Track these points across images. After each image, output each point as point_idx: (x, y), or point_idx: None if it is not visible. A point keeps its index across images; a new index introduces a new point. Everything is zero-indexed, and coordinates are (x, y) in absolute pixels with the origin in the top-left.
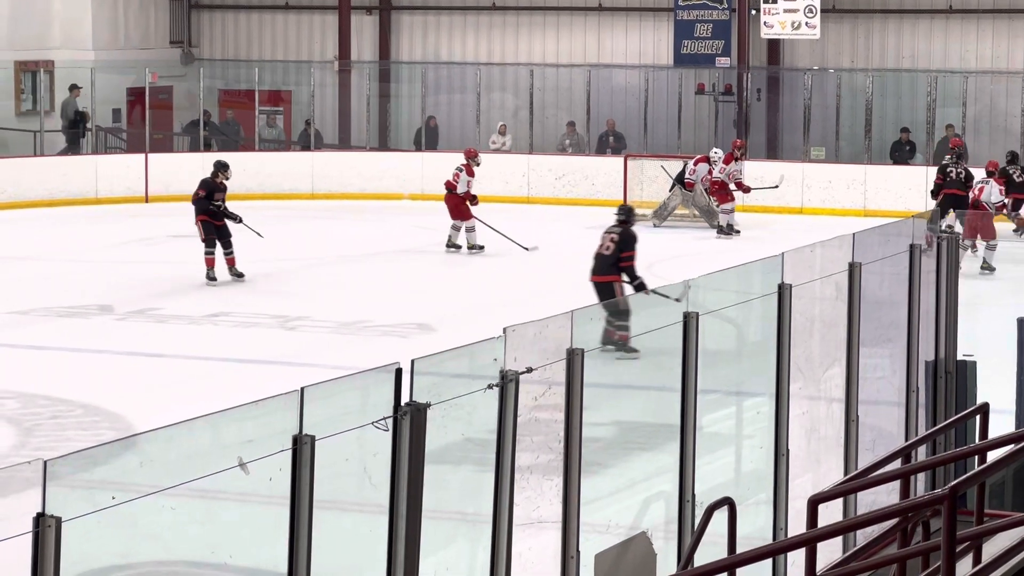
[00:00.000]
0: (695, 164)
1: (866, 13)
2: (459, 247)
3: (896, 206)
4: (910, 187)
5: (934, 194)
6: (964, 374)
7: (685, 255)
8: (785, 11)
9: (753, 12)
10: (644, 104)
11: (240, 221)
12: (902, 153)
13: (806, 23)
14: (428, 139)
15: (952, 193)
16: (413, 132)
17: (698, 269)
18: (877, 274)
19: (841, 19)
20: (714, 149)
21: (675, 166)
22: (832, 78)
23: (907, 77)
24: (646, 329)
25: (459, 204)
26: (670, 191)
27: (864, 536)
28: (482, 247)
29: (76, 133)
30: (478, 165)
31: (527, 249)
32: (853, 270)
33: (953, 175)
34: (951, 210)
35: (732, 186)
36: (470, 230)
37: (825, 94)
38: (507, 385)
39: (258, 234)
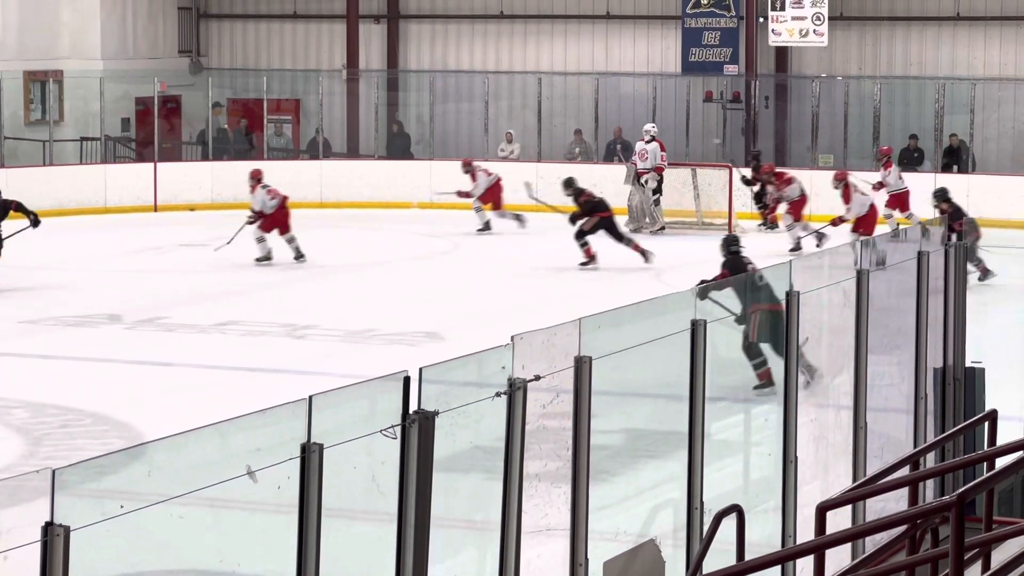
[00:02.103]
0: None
1: (874, 20)
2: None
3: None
4: (918, 194)
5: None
6: (972, 381)
7: (692, 263)
8: (793, 19)
9: (761, 20)
10: (652, 112)
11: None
12: (910, 160)
13: (814, 30)
14: (398, 146)
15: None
16: (422, 140)
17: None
18: (885, 281)
19: (849, 26)
20: (649, 124)
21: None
22: (840, 85)
23: (915, 84)
24: (654, 337)
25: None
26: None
27: (873, 543)
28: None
29: (218, 149)
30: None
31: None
32: (861, 277)
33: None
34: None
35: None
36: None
37: (833, 101)
38: (515, 393)
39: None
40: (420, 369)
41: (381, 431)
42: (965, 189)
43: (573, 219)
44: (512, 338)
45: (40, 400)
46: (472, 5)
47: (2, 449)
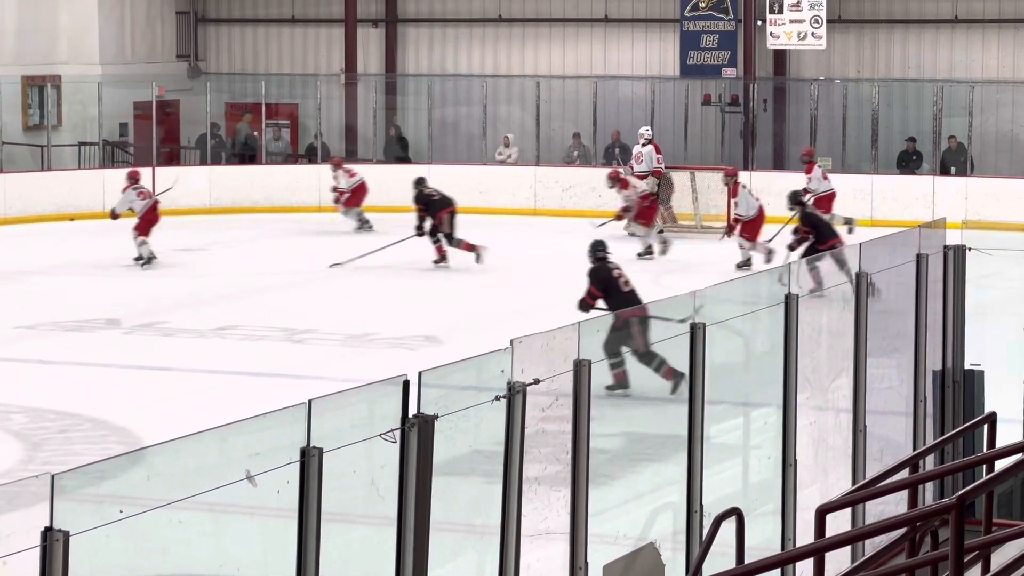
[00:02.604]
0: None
1: (872, 23)
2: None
3: (903, 216)
4: (917, 197)
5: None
6: (972, 383)
7: (692, 266)
8: (791, 21)
9: (759, 23)
10: (650, 115)
11: None
12: (909, 163)
13: (812, 33)
14: (397, 150)
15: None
16: (420, 144)
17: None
18: (884, 284)
19: (847, 29)
20: (644, 128)
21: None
22: (838, 88)
23: (913, 87)
24: (653, 340)
25: None
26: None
27: (872, 546)
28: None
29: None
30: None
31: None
32: (860, 280)
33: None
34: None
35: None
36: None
37: (831, 104)
38: (514, 397)
39: None
40: (419, 373)
41: (380, 435)
42: (963, 192)
43: (421, 224)
44: (511, 342)
45: (39, 405)
46: (470, 9)
47: (1, 454)
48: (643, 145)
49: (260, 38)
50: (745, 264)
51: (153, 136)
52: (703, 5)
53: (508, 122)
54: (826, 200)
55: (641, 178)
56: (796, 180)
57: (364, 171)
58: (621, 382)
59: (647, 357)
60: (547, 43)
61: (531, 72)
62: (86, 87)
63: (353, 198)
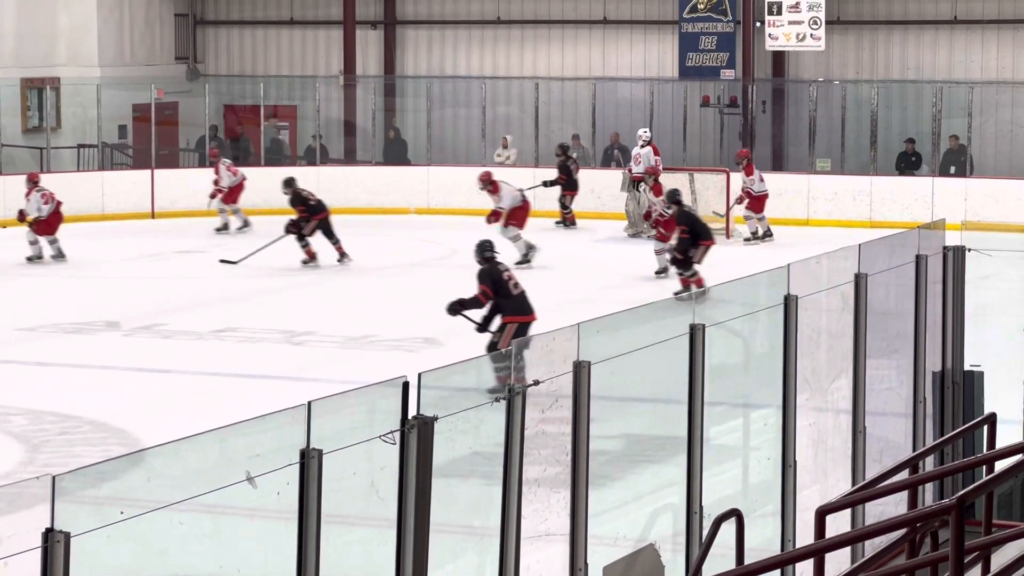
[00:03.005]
0: (637, 151)
1: (871, 24)
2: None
3: (902, 217)
4: (916, 198)
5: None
6: (971, 384)
7: None
8: (790, 23)
9: (758, 24)
10: (649, 117)
11: None
12: (908, 164)
13: (811, 35)
14: (396, 152)
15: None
16: (419, 146)
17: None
18: (883, 285)
19: (846, 30)
20: (642, 129)
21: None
22: (837, 89)
23: (912, 88)
24: (652, 341)
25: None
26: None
27: (872, 547)
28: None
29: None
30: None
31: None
32: (859, 281)
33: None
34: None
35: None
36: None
37: (830, 106)
38: (514, 398)
39: None
40: (419, 374)
41: (380, 437)
42: (963, 193)
43: (294, 226)
44: (512, 343)
45: (39, 407)
46: (469, 11)
47: (1, 456)
48: (642, 147)
49: (259, 40)
50: (662, 272)
51: (152, 138)
52: (702, 7)
53: (507, 123)
54: (761, 200)
55: (638, 180)
56: (796, 181)
57: (363, 172)
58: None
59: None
60: (546, 45)
61: (530, 74)
62: (85, 89)
63: (230, 195)
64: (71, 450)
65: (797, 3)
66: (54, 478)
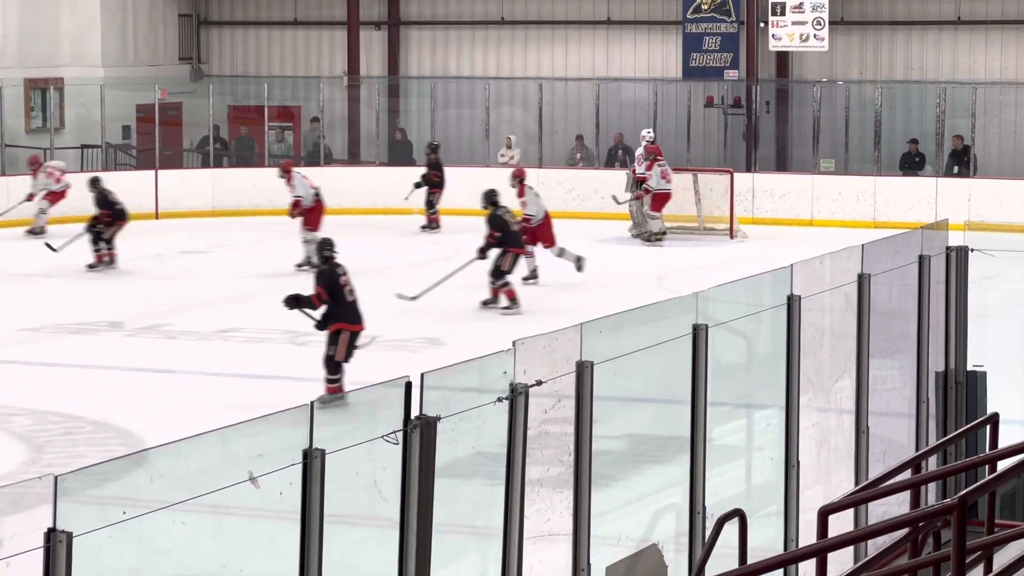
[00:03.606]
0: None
1: (874, 25)
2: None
3: (906, 217)
4: (920, 198)
5: None
6: (974, 384)
7: (694, 267)
8: (793, 23)
9: (761, 25)
10: (653, 117)
11: None
12: (911, 164)
13: (814, 35)
14: (400, 152)
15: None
16: (424, 146)
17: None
18: (887, 285)
19: (850, 31)
20: (646, 130)
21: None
22: (841, 90)
23: (916, 88)
24: (655, 341)
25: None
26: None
27: (875, 547)
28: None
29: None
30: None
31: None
32: (862, 281)
33: None
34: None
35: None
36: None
37: (834, 106)
38: (517, 398)
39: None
40: (422, 374)
41: (383, 437)
42: (967, 193)
43: (100, 227)
44: (514, 343)
45: (42, 408)
46: (473, 11)
47: (4, 457)
48: (645, 147)
49: (263, 40)
50: (531, 278)
51: (156, 139)
52: (705, 7)
53: (511, 124)
54: (661, 199)
55: (642, 180)
56: (800, 181)
57: (367, 173)
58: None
59: (332, 367)
60: (549, 45)
61: (533, 74)
62: (89, 90)
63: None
64: (74, 450)
65: (801, 3)
66: (56, 478)
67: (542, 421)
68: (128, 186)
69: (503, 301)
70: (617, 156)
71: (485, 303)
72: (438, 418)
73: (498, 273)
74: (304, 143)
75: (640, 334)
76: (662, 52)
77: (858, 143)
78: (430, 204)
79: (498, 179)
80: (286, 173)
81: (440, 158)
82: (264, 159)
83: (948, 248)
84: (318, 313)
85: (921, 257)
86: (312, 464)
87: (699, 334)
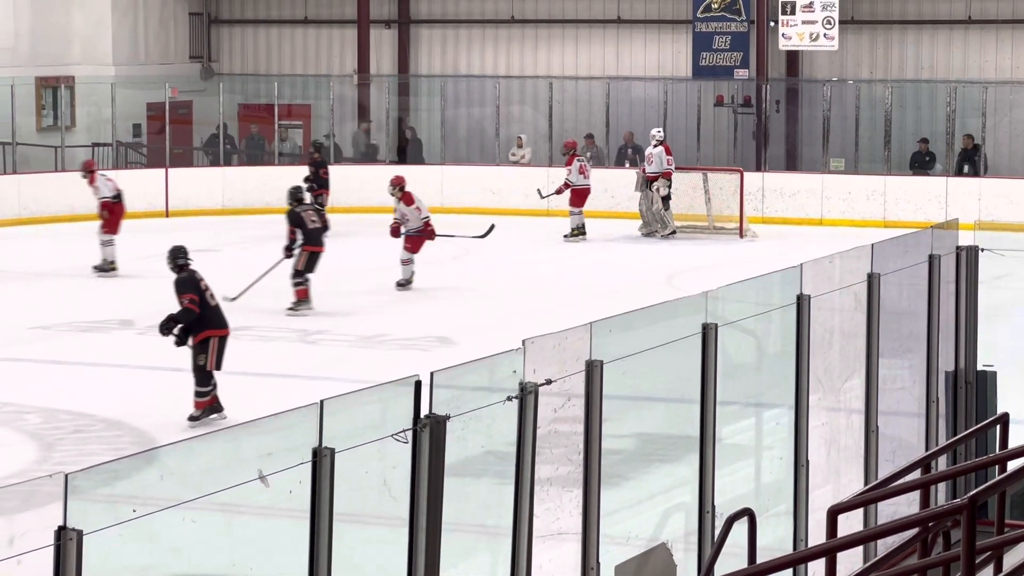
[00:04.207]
0: (650, 151)
1: (885, 24)
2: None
3: (916, 217)
4: (930, 198)
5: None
6: (984, 384)
7: (704, 266)
8: (803, 23)
9: (771, 24)
10: (663, 116)
11: None
12: (921, 164)
13: (824, 34)
14: (410, 151)
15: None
16: (433, 145)
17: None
18: (896, 285)
19: (860, 30)
20: (655, 129)
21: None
22: (851, 89)
23: (926, 88)
24: (665, 341)
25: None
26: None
27: (884, 546)
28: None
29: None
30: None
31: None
32: (872, 281)
33: None
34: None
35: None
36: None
37: (844, 105)
38: (526, 397)
39: None
40: (431, 373)
41: (392, 435)
42: (976, 192)
43: None
44: (523, 342)
45: (53, 405)
46: (483, 10)
47: (15, 454)
48: (655, 146)
49: (273, 39)
50: (405, 284)
51: (167, 137)
52: (715, 6)
53: (521, 123)
54: (580, 195)
55: (652, 179)
56: (810, 181)
57: (377, 171)
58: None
59: (203, 377)
60: (560, 44)
61: (544, 73)
62: (99, 88)
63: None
64: (85, 448)
65: (811, 3)
66: (67, 476)
67: (552, 420)
68: (138, 185)
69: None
70: (627, 155)
71: (290, 310)
72: (448, 417)
73: (296, 273)
74: (355, 144)
75: (650, 333)
76: (672, 51)
77: (868, 142)
78: (321, 204)
79: (509, 177)
80: (89, 174)
81: (325, 157)
82: (274, 157)
83: (958, 248)
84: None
85: (931, 256)
86: (321, 463)
87: (709, 333)
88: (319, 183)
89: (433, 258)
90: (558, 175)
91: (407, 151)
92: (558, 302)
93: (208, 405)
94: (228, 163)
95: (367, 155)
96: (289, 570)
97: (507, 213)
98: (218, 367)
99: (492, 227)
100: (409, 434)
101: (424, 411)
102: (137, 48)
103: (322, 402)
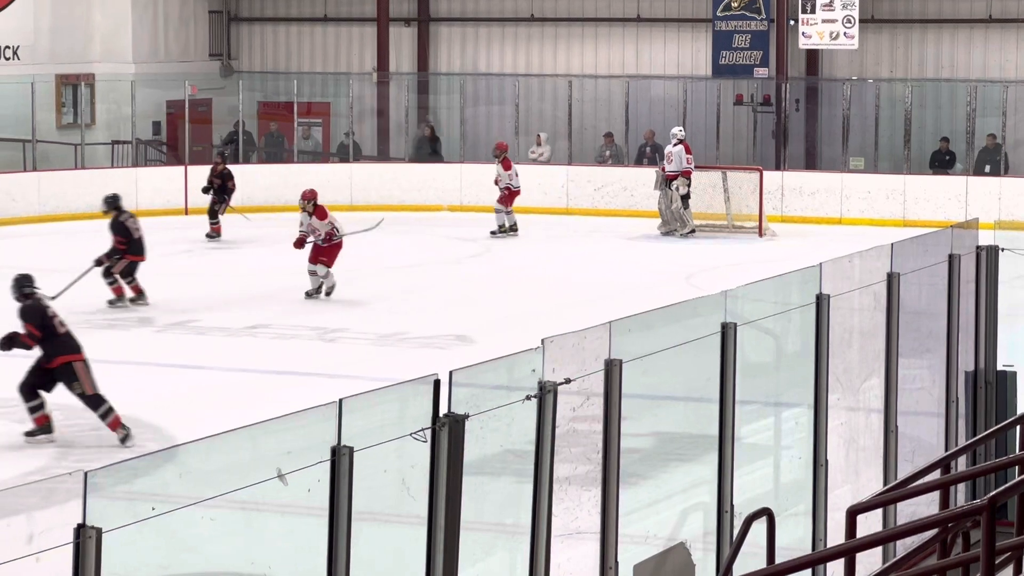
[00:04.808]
0: (670, 150)
1: (905, 23)
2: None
3: (936, 216)
4: (950, 197)
5: None
6: (1004, 384)
7: (723, 266)
8: (823, 21)
9: (791, 22)
10: (683, 115)
11: None
12: (942, 163)
13: (844, 33)
14: (429, 149)
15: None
16: (453, 143)
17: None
18: (916, 284)
19: (880, 29)
20: (676, 128)
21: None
22: (871, 88)
23: (946, 87)
24: (684, 340)
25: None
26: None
27: (903, 547)
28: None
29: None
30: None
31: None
32: (892, 280)
33: None
34: None
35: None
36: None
37: (864, 104)
38: (545, 396)
39: None
40: (450, 372)
41: (411, 434)
42: (997, 192)
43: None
44: (543, 341)
45: (72, 403)
46: (502, 8)
47: (34, 452)
48: (674, 145)
49: (292, 37)
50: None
51: (186, 135)
52: (735, 5)
53: (540, 121)
54: (514, 195)
55: (671, 178)
56: (829, 180)
57: (396, 169)
58: (43, 427)
59: (93, 401)
60: (579, 42)
61: (563, 71)
62: (119, 86)
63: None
64: (103, 446)
65: (831, 1)
66: (86, 474)
67: (570, 419)
68: (157, 182)
69: (129, 295)
70: (646, 153)
71: (110, 303)
72: (467, 416)
73: (107, 272)
74: (418, 143)
75: (669, 332)
76: (692, 50)
77: (888, 141)
78: (213, 213)
79: (528, 176)
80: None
81: (229, 168)
82: (293, 155)
83: (978, 247)
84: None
85: (951, 256)
86: (340, 461)
87: (728, 332)
88: (222, 194)
89: (452, 257)
90: (577, 174)
91: (425, 149)
92: (576, 300)
93: (118, 424)
94: (247, 161)
95: (431, 153)
96: (307, 568)
97: (526, 211)
98: (94, 389)
99: (381, 220)
100: (428, 433)
101: (443, 410)
102: (157, 45)
103: (341, 401)
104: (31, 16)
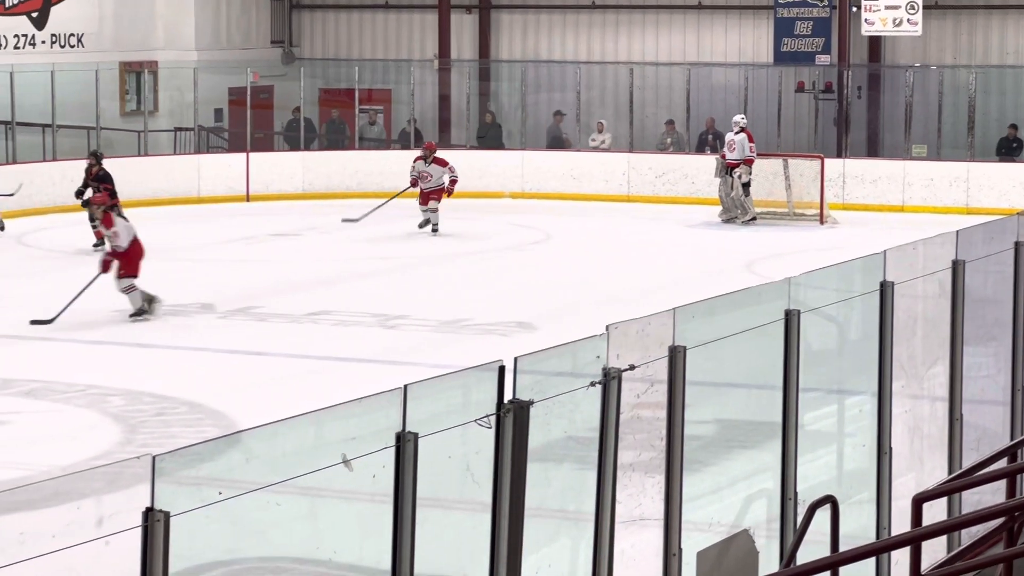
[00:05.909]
0: (732, 137)
1: (969, 9)
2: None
3: (1000, 203)
4: (1015, 184)
5: None
6: None
7: (784, 253)
8: (886, 7)
9: (854, 9)
10: (744, 102)
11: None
12: (1008, 149)
13: (908, 19)
14: (490, 135)
15: None
16: (513, 130)
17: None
18: (981, 271)
19: (944, 15)
20: (738, 115)
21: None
22: (934, 75)
23: (1011, 73)
24: (747, 327)
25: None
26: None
27: (969, 536)
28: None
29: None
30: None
31: None
32: (957, 268)
33: None
34: None
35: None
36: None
37: (927, 91)
38: (610, 383)
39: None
40: (515, 358)
41: (476, 420)
42: None
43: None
44: (607, 327)
45: (136, 388)
46: None
47: (100, 436)
48: (736, 133)
49: (354, 24)
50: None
51: (248, 122)
52: None
53: (601, 108)
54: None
55: (733, 166)
56: (891, 167)
57: (458, 156)
58: None
59: None
60: (640, 30)
61: (624, 59)
62: (182, 73)
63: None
64: (167, 431)
65: None
66: (154, 458)
67: (634, 406)
68: (219, 169)
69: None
70: (707, 141)
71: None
72: (531, 402)
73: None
74: (547, 132)
75: (732, 319)
76: (753, 37)
77: (951, 128)
78: (94, 218)
79: (589, 163)
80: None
81: (106, 169)
82: (355, 142)
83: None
84: None
85: (1017, 243)
86: (405, 447)
87: (791, 319)
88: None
89: (513, 243)
90: (638, 161)
91: (487, 136)
92: (637, 288)
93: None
94: (308, 148)
95: (492, 140)
96: (372, 554)
97: (587, 199)
98: None
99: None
100: (493, 419)
101: (507, 396)
102: (219, 33)
103: (406, 387)
104: (95, 4)
